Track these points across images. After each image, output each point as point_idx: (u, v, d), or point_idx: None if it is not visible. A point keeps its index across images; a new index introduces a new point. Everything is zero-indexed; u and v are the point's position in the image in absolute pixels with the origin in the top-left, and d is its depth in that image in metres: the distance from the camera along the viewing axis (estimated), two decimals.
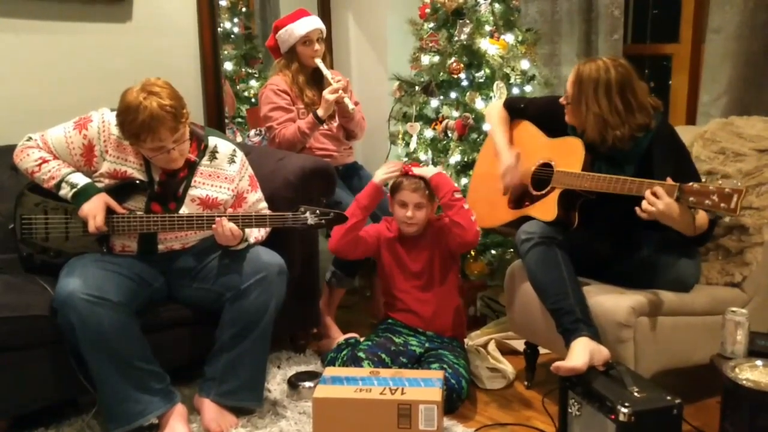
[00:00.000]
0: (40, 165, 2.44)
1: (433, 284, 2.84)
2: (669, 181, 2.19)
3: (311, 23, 3.32)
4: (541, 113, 2.78)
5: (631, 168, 2.44)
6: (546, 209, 2.53)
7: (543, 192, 2.60)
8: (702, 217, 2.32)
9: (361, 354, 2.65)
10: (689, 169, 2.43)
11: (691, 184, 2.16)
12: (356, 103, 3.47)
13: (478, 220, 2.80)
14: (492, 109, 2.94)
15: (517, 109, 2.86)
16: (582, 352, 2.23)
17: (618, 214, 2.40)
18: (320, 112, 3.21)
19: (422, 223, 2.80)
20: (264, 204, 2.70)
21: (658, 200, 2.17)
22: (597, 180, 2.38)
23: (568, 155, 2.55)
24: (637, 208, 2.21)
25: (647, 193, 2.19)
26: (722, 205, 2.08)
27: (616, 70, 2.39)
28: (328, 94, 3.20)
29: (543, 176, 2.65)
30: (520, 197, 2.73)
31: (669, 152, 2.42)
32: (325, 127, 3.35)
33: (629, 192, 2.28)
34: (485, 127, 3.38)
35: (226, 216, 2.43)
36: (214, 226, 2.43)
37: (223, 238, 2.44)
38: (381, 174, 2.81)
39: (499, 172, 2.77)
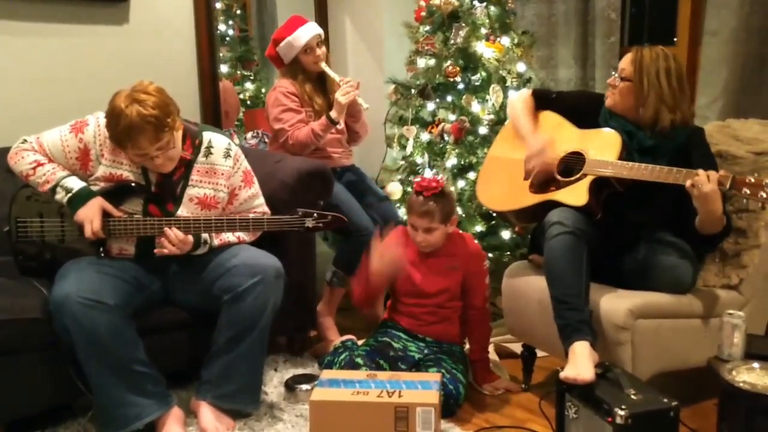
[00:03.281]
0: (34, 168, 2.42)
1: (440, 300, 2.78)
2: (721, 172, 2.26)
3: (308, 31, 3.29)
4: (573, 105, 2.76)
5: (664, 161, 2.45)
6: (576, 194, 2.50)
7: (573, 178, 2.56)
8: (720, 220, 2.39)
9: (359, 360, 2.65)
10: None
11: (744, 176, 2.23)
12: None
13: (494, 202, 2.80)
14: (517, 97, 2.89)
15: (547, 99, 2.82)
16: (587, 361, 2.23)
17: (637, 214, 2.47)
18: (333, 113, 3.19)
19: (437, 244, 2.73)
20: (261, 200, 2.68)
21: (708, 183, 2.23)
22: (638, 169, 2.39)
23: (602, 146, 2.53)
24: (689, 182, 2.26)
25: (702, 173, 2.25)
26: None
27: (675, 60, 2.52)
28: (341, 97, 3.18)
29: (571, 164, 2.61)
30: (543, 183, 2.66)
31: (706, 151, 2.53)
32: (333, 130, 3.34)
33: (675, 181, 2.30)
34: (482, 131, 3.38)
35: (214, 221, 2.43)
36: (160, 249, 2.42)
37: (171, 248, 2.41)
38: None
39: (525, 156, 2.69)
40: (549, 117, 2.78)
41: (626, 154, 2.50)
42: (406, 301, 2.82)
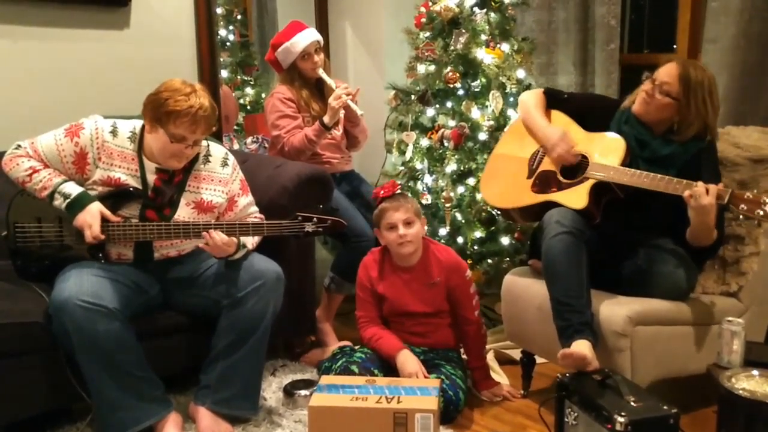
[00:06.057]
0: (30, 175, 2.41)
1: (428, 313, 2.76)
2: (720, 186, 2.26)
3: (306, 37, 3.30)
4: (583, 107, 2.75)
5: (673, 171, 2.44)
6: (576, 197, 2.50)
7: (574, 180, 2.57)
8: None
9: (353, 368, 2.63)
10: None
11: (743, 192, 2.22)
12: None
13: (497, 199, 2.80)
14: (529, 94, 2.88)
15: (559, 98, 2.81)
16: (589, 351, 2.24)
17: (635, 219, 2.48)
18: (326, 119, 3.20)
19: (417, 240, 2.68)
20: (255, 208, 2.69)
21: (707, 195, 2.23)
22: (638, 176, 2.39)
23: (606, 151, 2.53)
24: (687, 192, 2.26)
25: (701, 185, 2.24)
26: None
27: (713, 80, 2.49)
28: (332, 101, 3.19)
29: (572, 167, 2.61)
30: (545, 183, 2.66)
31: (715, 165, 2.52)
32: (329, 135, 3.34)
33: (674, 191, 2.30)
34: (481, 137, 3.39)
35: (213, 226, 2.41)
36: (203, 242, 2.42)
37: (217, 249, 2.42)
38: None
39: (550, 146, 2.65)
40: (558, 116, 2.78)
41: (630, 161, 2.49)
42: (394, 319, 2.81)
